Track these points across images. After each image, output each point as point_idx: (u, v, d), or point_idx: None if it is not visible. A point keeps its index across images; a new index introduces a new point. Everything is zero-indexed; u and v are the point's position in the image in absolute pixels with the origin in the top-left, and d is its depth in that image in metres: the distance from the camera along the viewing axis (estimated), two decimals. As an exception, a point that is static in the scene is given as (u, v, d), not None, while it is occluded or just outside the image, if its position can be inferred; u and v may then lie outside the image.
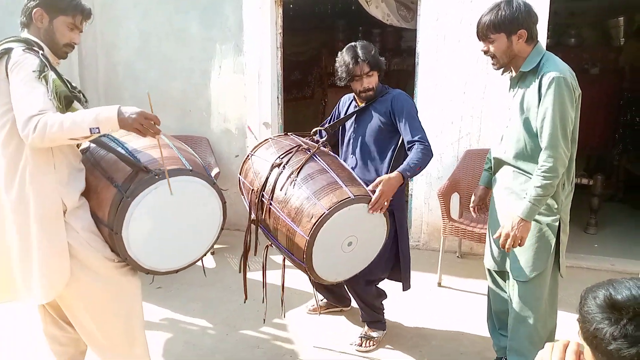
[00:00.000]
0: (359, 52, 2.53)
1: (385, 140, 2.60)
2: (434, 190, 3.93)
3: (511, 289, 2.32)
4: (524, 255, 2.23)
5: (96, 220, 1.97)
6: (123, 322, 2.05)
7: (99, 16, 4.57)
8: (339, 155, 2.76)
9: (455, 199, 3.80)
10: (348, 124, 2.73)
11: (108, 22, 4.73)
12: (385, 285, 2.85)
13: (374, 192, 2.25)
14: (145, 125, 1.75)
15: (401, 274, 2.74)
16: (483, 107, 3.86)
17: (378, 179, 2.30)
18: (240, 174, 2.66)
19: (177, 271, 2.10)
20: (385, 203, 2.25)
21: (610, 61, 6.06)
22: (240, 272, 2.62)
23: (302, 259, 2.21)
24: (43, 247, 1.86)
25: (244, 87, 4.46)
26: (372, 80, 2.57)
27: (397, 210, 2.60)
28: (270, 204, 2.33)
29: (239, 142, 4.58)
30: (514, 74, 2.22)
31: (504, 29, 2.08)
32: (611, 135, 5.88)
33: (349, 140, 2.71)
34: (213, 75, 4.55)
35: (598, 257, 3.97)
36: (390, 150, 2.60)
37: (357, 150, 2.66)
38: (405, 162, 2.41)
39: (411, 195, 4.15)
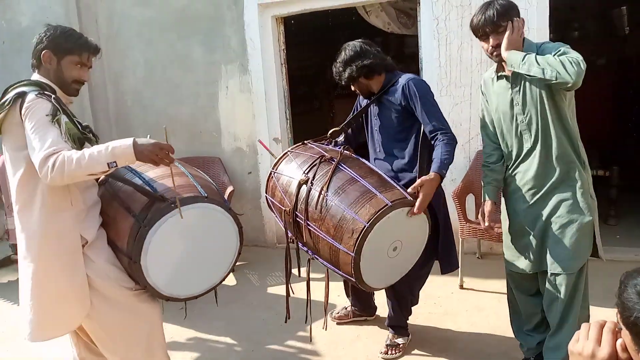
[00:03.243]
0: (334, 65, 2.59)
1: (406, 128, 2.53)
2: (448, 192, 3.89)
3: (551, 286, 2.25)
4: (569, 244, 2.18)
5: (115, 250, 2.00)
6: (144, 347, 2.07)
7: (105, 48, 4.66)
8: (368, 152, 2.72)
9: (470, 199, 3.78)
10: (372, 119, 2.67)
11: (114, 53, 4.84)
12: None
13: (411, 193, 2.21)
14: (160, 155, 1.81)
15: (439, 254, 2.62)
16: (491, 106, 3.85)
17: (419, 181, 2.24)
18: (266, 193, 2.62)
19: (196, 297, 2.12)
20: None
21: (616, 51, 6.02)
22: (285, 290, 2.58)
23: (349, 274, 2.15)
24: (63, 281, 1.90)
25: (252, 105, 4.52)
26: (356, 87, 2.62)
27: (433, 198, 2.43)
28: (307, 223, 2.27)
29: (251, 159, 4.62)
30: (505, 71, 2.23)
31: (509, 17, 2.14)
32: (623, 125, 5.82)
33: (374, 135, 2.68)
34: (221, 96, 4.61)
35: (621, 249, 3.90)
36: (414, 136, 2.52)
37: (384, 144, 2.62)
38: (436, 160, 2.35)
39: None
